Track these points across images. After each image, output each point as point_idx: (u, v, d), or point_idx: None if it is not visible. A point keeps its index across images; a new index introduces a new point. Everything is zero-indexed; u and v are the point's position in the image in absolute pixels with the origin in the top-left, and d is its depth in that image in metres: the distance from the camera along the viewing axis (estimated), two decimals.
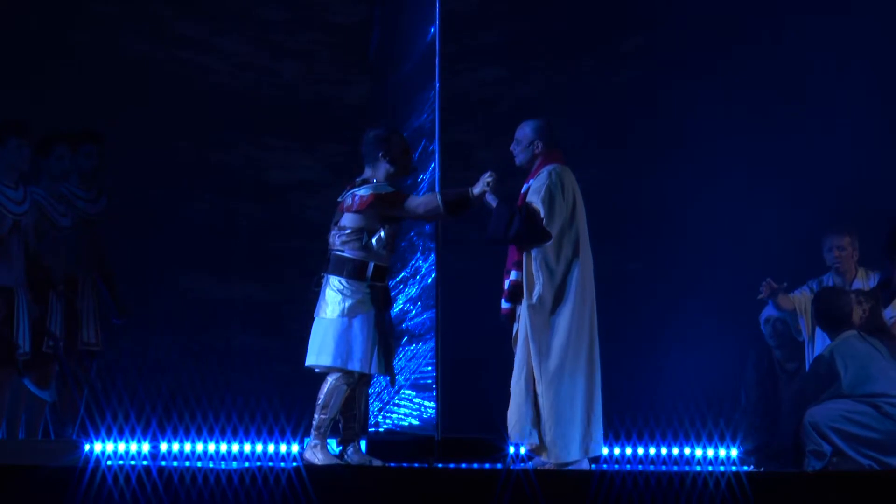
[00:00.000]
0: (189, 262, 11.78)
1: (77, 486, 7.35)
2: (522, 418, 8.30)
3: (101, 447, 7.77)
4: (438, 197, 8.46)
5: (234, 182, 11.97)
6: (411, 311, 9.98)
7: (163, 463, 7.65)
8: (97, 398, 8.73)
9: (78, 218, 9.28)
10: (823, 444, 8.79)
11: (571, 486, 7.70)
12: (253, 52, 12.20)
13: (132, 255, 10.59)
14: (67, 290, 9.15)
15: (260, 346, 11.72)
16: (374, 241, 8.36)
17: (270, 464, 7.68)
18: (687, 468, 8.02)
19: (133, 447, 7.85)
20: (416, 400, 9.98)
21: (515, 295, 8.43)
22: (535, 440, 8.29)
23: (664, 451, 8.49)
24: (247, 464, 7.74)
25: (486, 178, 8.43)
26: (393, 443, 9.83)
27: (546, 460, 8.27)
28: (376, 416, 10.24)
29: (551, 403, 8.29)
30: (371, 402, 9.44)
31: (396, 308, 9.95)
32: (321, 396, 8.29)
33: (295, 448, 8.35)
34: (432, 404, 9.31)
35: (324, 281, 8.43)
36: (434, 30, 9.50)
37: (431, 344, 9.35)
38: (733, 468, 7.76)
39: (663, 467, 8.20)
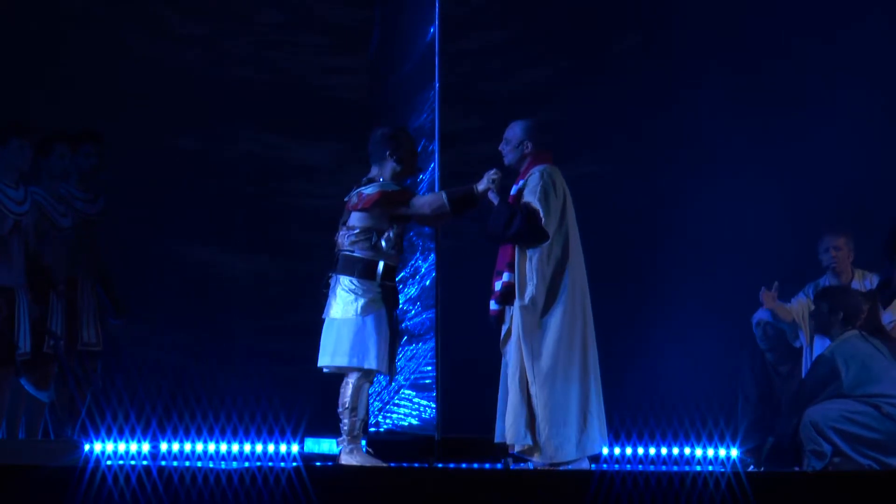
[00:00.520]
0: (189, 262, 11.78)
1: (77, 486, 7.34)
2: (517, 419, 8.30)
3: (101, 447, 7.76)
4: (444, 195, 8.46)
5: (234, 181, 11.97)
6: (411, 311, 9.97)
7: (163, 463, 7.64)
8: (97, 398, 8.72)
9: (78, 218, 9.28)
10: (824, 444, 8.78)
11: (571, 486, 7.69)
12: (253, 51, 12.21)
13: (132, 256, 10.59)
14: (68, 290, 9.15)
15: (260, 346, 11.72)
16: (383, 241, 8.37)
17: (270, 464, 7.67)
18: (687, 468, 8.01)
19: (133, 447, 7.83)
20: (416, 400, 9.97)
21: (508, 296, 8.42)
22: (528, 441, 8.30)
23: (664, 450, 8.48)
24: (247, 464, 7.73)
25: (491, 174, 8.44)
26: (393, 443, 9.82)
27: (540, 461, 8.27)
28: (376, 416, 10.24)
29: (545, 404, 8.28)
30: (371, 402, 9.42)
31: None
32: (346, 400, 8.30)
33: (295, 448, 8.34)
34: (432, 404, 9.31)
35: (332, 281, 8.43)
36: (434, 30, 9.50)
37: (431, 344, 9.34)
38: (733, 468, 7.76)
39: (663, 467, 8.18)
